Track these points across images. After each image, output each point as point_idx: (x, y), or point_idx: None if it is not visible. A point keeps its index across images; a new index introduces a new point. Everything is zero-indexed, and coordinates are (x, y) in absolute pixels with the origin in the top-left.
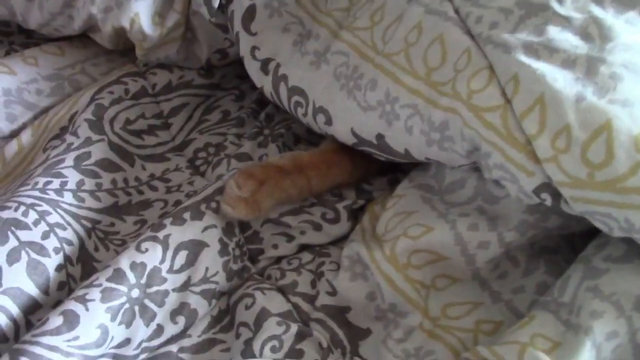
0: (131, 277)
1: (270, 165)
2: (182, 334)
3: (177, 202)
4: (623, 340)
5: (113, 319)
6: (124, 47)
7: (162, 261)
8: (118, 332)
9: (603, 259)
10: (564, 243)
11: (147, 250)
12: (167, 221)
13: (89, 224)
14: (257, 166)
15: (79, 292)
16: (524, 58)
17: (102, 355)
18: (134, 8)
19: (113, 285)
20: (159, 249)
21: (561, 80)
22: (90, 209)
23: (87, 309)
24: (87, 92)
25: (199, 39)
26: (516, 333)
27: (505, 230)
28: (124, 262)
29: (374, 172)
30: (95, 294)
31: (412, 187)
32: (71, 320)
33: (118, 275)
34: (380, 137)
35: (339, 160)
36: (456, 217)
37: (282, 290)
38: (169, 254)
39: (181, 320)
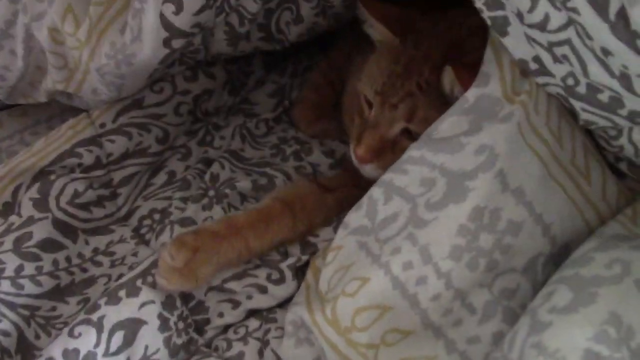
0: None
1: (204, 231)
2: None
3: (120, 276)
4: None
5: None
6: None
7: (97, 345)
8: None
9: (548, 310)
10: (523, 280)
11: (80, 335)
12: (102, 301)
13: (27, 312)
14: (190, 233)
15: None
16: None
17: None
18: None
19: None
20: (92, 332)
21: None
22: (29, 295)
23: None
24: (30, 156)
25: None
26: None
27: (439, 259)
28: (56, 351)
29: (319, 224)
30: None
31: (348, 235)
32: None
33: None
34: None
35: (278, 216)
36: (389, 257)
37: None
38: (104, 336)
39: None
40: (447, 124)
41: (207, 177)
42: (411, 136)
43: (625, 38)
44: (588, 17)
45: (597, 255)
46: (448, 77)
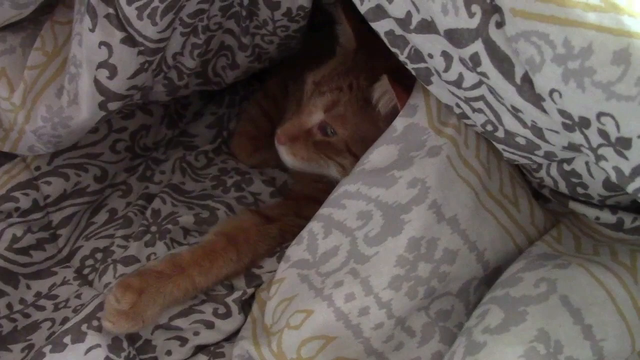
0: None
1: (149, 272)
2: None
3: (65, 320)
4: None
5: None
6: None
7: None
8: None
9: (482, 330)
10: (457, 302)
11: None
12: (47, 349)
13: None
14: (135, 275)
15: None
16: None
17: None
18: None
19: None
20: None
21: None
22: None
23: None
24: None
25: None
26: None
27: (380, 290)
28: None
29: (263, 255)
30: None
31: (289, 267)
32: None
33: None
34: None
35: (222, 251)
36: (332, 289)
37: None
38: None
39: None
40: (377, 153)
41: (148, 213)
42: (326, 135)
43: (532, 99)
44: (496, 80)
45: (525, 275)
46: (381, 86)
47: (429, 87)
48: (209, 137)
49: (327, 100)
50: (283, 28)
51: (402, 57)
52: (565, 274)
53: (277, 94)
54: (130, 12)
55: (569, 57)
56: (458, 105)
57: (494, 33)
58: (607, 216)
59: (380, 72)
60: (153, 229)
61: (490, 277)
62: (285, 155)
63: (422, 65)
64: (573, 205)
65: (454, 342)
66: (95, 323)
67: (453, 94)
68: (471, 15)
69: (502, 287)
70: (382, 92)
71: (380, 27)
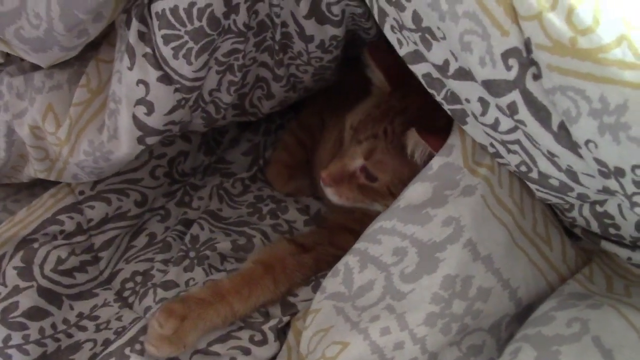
0: None
1: (191, 299)
2: None
3: (106, 341)
4: None
5: None
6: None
7: None
8: None
9: None
10: (489, 337)
11: None
12: None
13: None
14: (177, 301)
15: None
16: None
17: None
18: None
19: None
20: None
21: None
22: None
23: None
24: (12, 226)
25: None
26: None
27: (415, 326)
28: None
29: (298, 284)
30: None
31: (325, 299)
32: None
33: None
34: None
35: (260, 280)
36: (368, 323)
37: None
38: None
39: None
40: (412, 190)
41: (187, 238)
42: (369, 176)
43: (568, 145)
44: (533, 127)
45: (557, 314)
46: (412, 139)
47: (464, 127)
48: (245, 165)
49: (365, 149)
50: (317, 59)
51: (439, 98)
52: (597, 314)
53: (313, 123)
54: (166, 51)
55: (605, 112)
56: (492, 145)
57: (531, 85)
58: (639, 257)
59: (414, 113)
60: (192, 254)
61: (522, 313)
62: (331, 195)
63: (458, 106)
64: (605, 245)
65: None
66: (138, 347)
67: (488, 135)
68: (508, 68)
69: (534, 326)
70: (415, 143)
71: (418, 70)
